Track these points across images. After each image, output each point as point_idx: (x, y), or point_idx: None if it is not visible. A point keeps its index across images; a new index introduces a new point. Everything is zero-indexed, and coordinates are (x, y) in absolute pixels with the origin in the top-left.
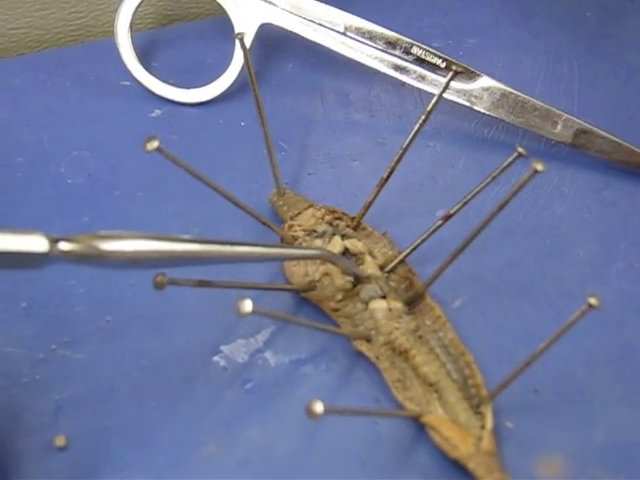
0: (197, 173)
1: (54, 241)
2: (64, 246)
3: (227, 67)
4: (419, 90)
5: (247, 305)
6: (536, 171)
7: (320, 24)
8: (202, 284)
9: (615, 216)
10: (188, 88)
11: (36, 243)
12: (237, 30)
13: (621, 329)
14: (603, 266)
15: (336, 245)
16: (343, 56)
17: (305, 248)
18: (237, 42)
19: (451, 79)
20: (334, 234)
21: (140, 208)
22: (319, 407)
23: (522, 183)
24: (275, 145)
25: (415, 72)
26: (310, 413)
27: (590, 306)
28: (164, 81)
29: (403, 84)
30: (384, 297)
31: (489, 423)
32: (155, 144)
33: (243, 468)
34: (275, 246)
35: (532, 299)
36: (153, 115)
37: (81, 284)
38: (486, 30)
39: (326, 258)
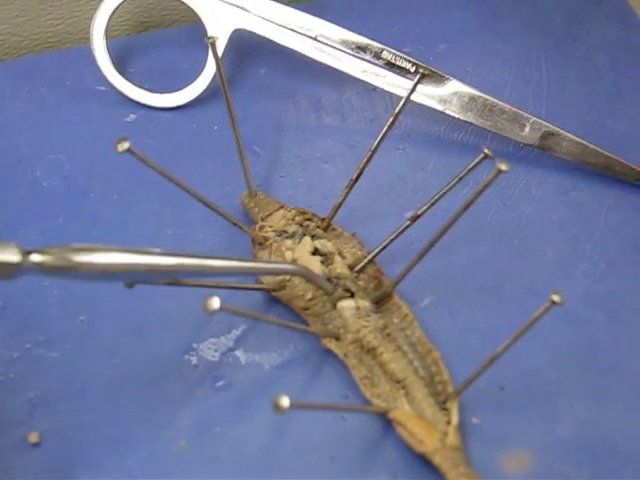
0: (167, 174)
1: (26, 253)
2: (36, 258)
3: (201, 72)
4: (390, 94)
5: (215, 302)
6: (500, 171)
7: (292, 29)
8: (173, 283)
9: (582, 217)
10: (162, 93)
11: (8, 254)
12: (208, 36)
13: (587, 327)
14: (569, 266)
15: (306, 245)
16: (315, 61)
17: (280, 262)
18: (209, 47)
19: (419, 81)
20: (304, 235)
21: (114, 210)
22: (285, 401)
23: (487, 183)
24: (248, 148)
25: (386, 76)
26: (277, 408)
27: (553, 303)
28: (139, 86)
29: (374, 88)
30: (352, 296)
31: (455, 419)
32: (126, 145)
33: (214, 464)
34: (250, 261)
35: (499, 298)
36: (128, 120)
37: (55, 285)
38: (457, 35)
39: (300, 274)
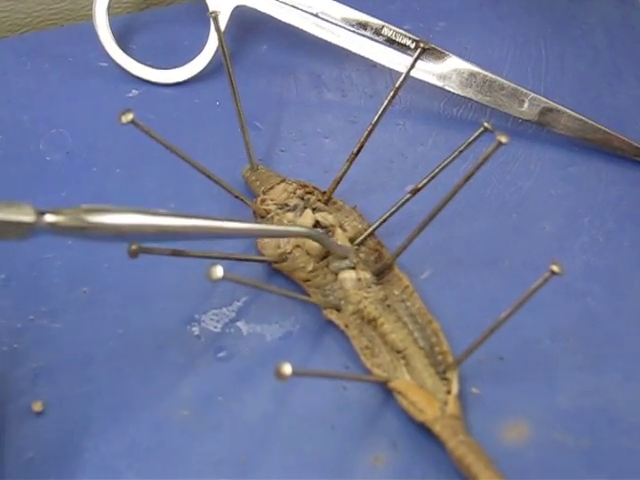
0: (171, 146)
1: (41, 213)
2: (50, 218)
3: (202, 49)
4: (390, 70)
5: (218, 271)
6: (500, 143)
7: (293, 6)
8: (176, 253)
9: (580, 192)
10: (164, 69)
11: (23, 213)
12: (210, 11)
13: (585, 300)
14: (568, 239)
15: (307, 218)
16: (316, 37)
17: (293, 225)
18: (211, 23)
19: (419, 55)
20: (305, 207)
21: (117, 184)
22: (287, 369)
23: (487, 155)
24: (249, 124)
25: (386, 53)
26: (279, 375)
27: (553, 273)
28: (141, 62)
29: (374, 65)
30: (353, 268)
31: (455, 388)
32: (130, 116)
33: (216, 432)
34: (263, 223)
35: (498, 271)
36: (130, 95)
37: (59, 256)
38: (456, 13)
39: (314, 236)
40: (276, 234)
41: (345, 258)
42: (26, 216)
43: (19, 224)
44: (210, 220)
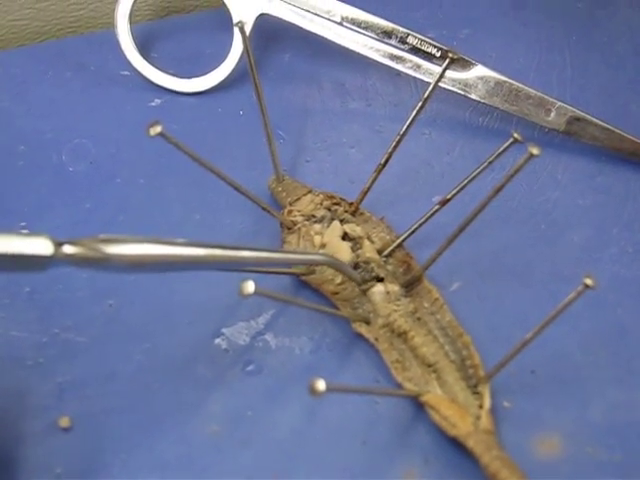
0: (199, 158)
1: (59, 244)
2: (68, 249)
3: (225, 57)
4: (414, 79)
5: (250, 286)
6: (532, 155)
7: (317, 14)
8: None
9: (608, 202)
10: (187, 78)
11: (41, 246)
12: (235, 21)
13: (615, 312)
14: (597, 251)
15: (335, 230)
16: (339, 46)
17: (310, 253)
18: (236, 31)
19: (448, 66)
20: (333, 219)
21: (141, 195)
22: (321, 385)
23: (518, 167)
24: (273, 133)
25: (411, 61)
26: (312, 391)
27: (586, 286)
28: (163, 71)
29: (399, 73)
30: (381, 280)
31: (487, 402)
32: (158, 129)
33: (246, 447)
34: (280, 251)
35: (527, 283)
36: (153, 104)
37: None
38: (480, 21)
39: (330, 264)
40: (295, 262)
41: (360, 284)
42: (44, 249)
43: (37, 257)
44: (227, 250)
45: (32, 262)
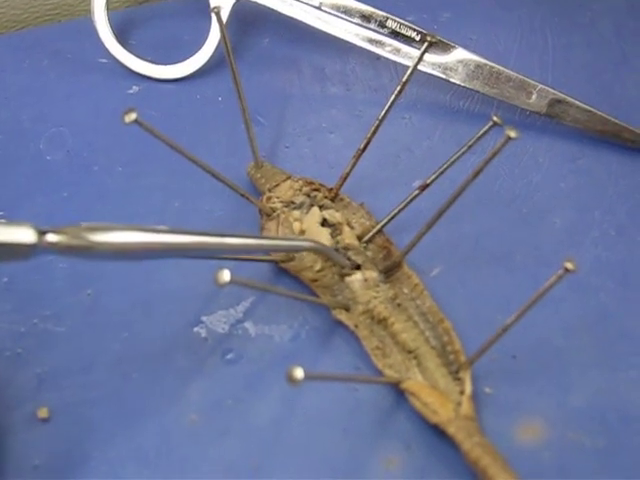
0: (175, 145)
1: (42, 233)
2: (52, 238)
3: (203, 44)
4: (394, 63)
5: (225, 275)
6: (510, 138)
7: None
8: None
9: (590, 184)
10: (165, 65)
11: (24, 235)
12: (212, 6)
13: (597, 295)
14: (579, 234)
15: (315, 216)
16: (319, 30)
17: (296, 239)
18: (213, 18)
19: (426, 49)
20: (312, 205)
21: (119, 183)
22: (299, 373)
23: (496, 150)
24: (252, 119)
25: (390, 45)
26: (291, 379)
27: (567, 270)
28: (141, 58)
29: (378, 58)
30: (358, 267)
31: (468, 388)
32: (133, 116)
33: (225, 437)
34: (266, 238)
35: (509, 267)
36: (131, 92)
37: (62, 259)
38: (460, 4)
39: (317, 250)
40: (280, 249)
41: (343, 267)
42: (27, 237)
43: (20, 246)
44: (213, 237)
45: (14, 251)
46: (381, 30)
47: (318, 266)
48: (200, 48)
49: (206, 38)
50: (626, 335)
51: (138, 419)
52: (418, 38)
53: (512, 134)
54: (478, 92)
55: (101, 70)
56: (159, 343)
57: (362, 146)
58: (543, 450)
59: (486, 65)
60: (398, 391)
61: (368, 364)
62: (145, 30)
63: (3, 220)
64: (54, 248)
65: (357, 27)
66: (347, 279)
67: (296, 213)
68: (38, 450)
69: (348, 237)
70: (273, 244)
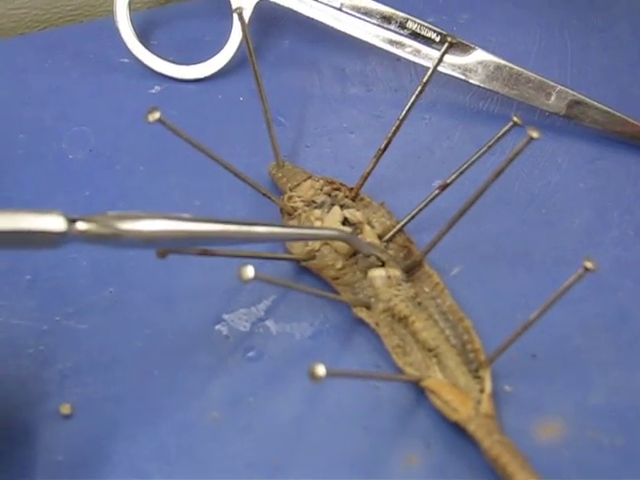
0: (198, 144)
1: (72, 221)
2: (82, 226)
3: (225, 44)
4: (414, 64)
5: (249, 271)
6: (532, 138)
7: (316, 0)
8: (204, 253)
9: (609, 185)
10: (187, 65)
11: (54, 222)
12: (234, 7)
13: (616, 295)
14: (598, 234)
15: (335, 215)
16: (339, 31)
17: (322, 228)
18: (235, 18)
19: (446, 50)
20: (333, 204)
21: (141, 182)
22: (321, 370)
23: (518, 150)
24: (273, 119)
25: (410, 46)
26: (313, 376)
27: (586, 270)
28: (163, 58)
29: (398, 58)
30: (383, 265)
31: (488, 387)
32: (157, 115)
33: (246, 433)
34: (292, 227)
35: (528, 266)
36: (152, 92)
37: (84, 256)
38: (479, 5)
39: (343, 239)
40: (305, 237)
41: (369, 257)
42: (57, 225)
43: (50, 233)
44: (241, 225)
45: (44, 239)
46: (401, 31)
47: (339, 264)
48: (221, 49)
49: (227, 39)
50: None
51: (160, 416)
52: (438, 39)
53: (534, 134)
54: (497, 93)
55: (123, 70)
56: (181, 340)
57: (383, 146)
58: (562, 448)
59: (505, 66)
60: (418, 389)
61: (388, 362)
62: (167, 30)
63: (33, 208)
64: (83, 236)
65: (377, 28)
66: (370, 274)
67: (317, 212)
68: (61, 446)
69: (369, 236)
70: (299, 232)
